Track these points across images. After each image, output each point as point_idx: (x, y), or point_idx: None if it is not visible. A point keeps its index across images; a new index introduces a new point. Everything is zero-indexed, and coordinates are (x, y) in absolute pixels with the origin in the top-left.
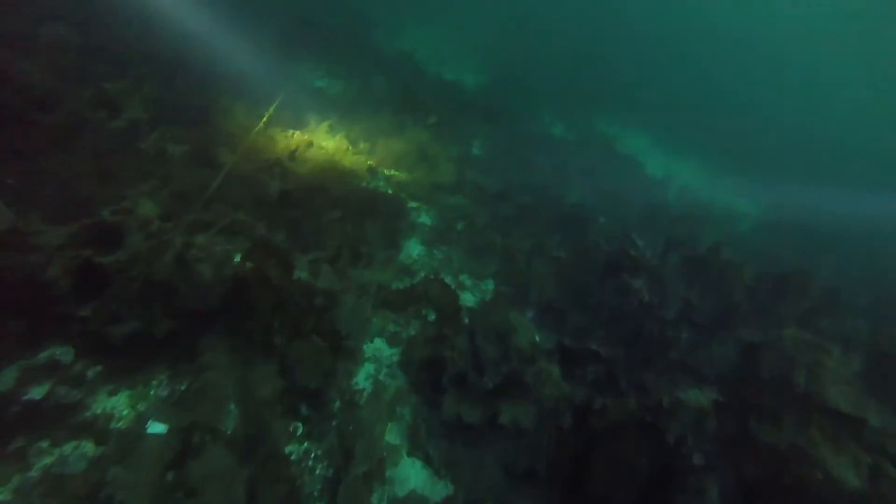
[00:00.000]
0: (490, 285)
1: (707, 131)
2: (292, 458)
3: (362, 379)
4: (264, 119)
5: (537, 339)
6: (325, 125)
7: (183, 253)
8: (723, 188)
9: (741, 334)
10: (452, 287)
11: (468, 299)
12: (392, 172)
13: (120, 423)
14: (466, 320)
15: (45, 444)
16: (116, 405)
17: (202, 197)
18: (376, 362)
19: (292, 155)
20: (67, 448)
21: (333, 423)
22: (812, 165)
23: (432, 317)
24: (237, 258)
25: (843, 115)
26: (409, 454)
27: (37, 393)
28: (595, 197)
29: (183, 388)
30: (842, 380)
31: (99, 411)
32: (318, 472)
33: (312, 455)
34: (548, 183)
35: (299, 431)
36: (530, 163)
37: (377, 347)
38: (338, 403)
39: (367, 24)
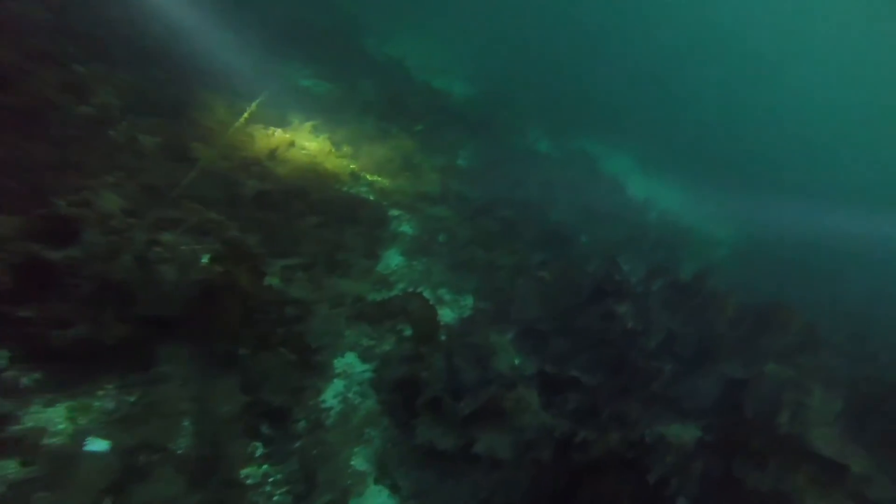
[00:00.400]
0: (470, 301)
1: (689, 156)
2: (248, 482)
3: (331, 397)
4: (245, 115)
5: (517, 362)
6: (308, 126)
7: (145, 252)
8: (701, 214)
9: (724, 368)
10: (431, 301)
11: (447, 315)
12: (375, 178)
13: (54, 440)
14: (444, 338)
15: None
16: (52, 418)
17: (173, 192)
18: (347, 379)
19: (272, 154)
20: None
21: (297, 445)
22: (796, 190)
23: (409, 332)
24: (205, 260)
25: (835, 137)
26: (377, 482)
27: None
28: (578, 216)
29: (132, 401)
30: (824, 422)
31: (30, 425)
32: (275, 498)
33: (271, 480)
34: (532, 199)
35: (258, 453)
36: (515, 177)
37: (349, 363)
38: (303, 423)
39: (358, 28)
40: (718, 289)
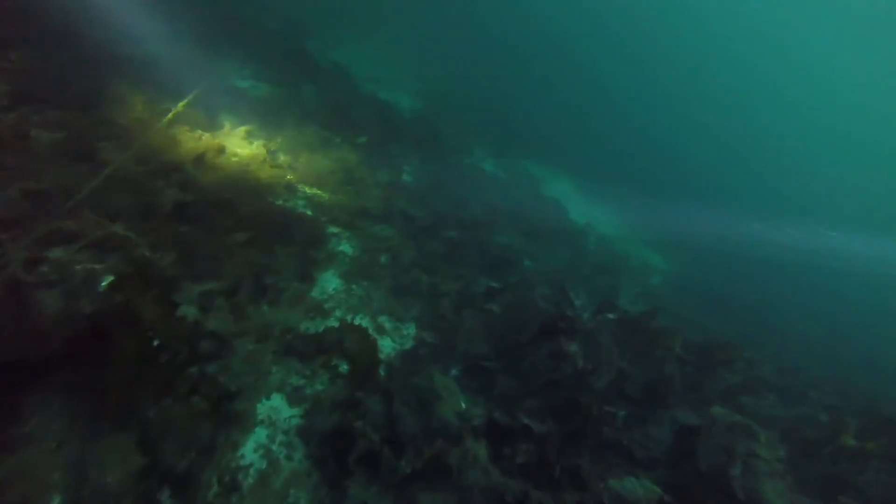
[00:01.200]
0: (412, 330)
1: (628, 182)
2: None
3: (251, 451)
4: (170, 115)
5: (463, 406)
6: (242, 130)
7: (21, 274)
8: (636, 240)
9: (675, 413)
10: (371, 330)
11: (388, 345)
12: (313, 192)
13: None
14: (384, 374)
15: None
16: None
17: (71, 201)
18: (271, 427)
19: (198, 160)
20: None
21: None
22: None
23: (345, 368)
24: (104, 284)
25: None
26: None
27: None
28: (522, 238)
29: None
30: (774, 473)
31: None
32: None
33: None
34: (477, 219)
35: None
36: (461, 197)
37: (274, 406)
38: (214, 489)
39: (305, 31)
40: (665, 325)
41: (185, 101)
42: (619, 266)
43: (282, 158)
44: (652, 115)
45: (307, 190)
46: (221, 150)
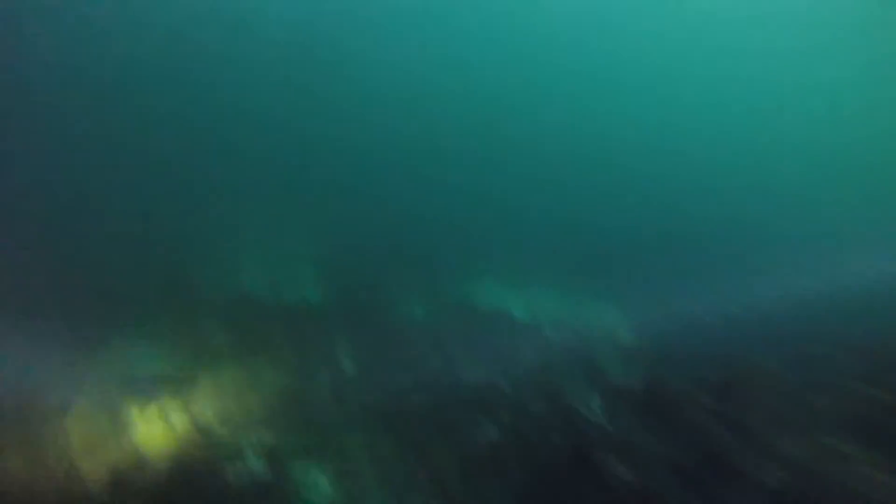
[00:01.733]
0: None
1: (562, 258)
2: None
3: None
4: None
5: None
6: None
7: None
8: (591, 311)
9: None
10: None
11: None
12: (256, 440)
13: None
14: None
15: None
16: None
17: None
18: None
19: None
20: None
21: None
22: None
23: None
24: None
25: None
26: None
27: None
28: (488, 369)
29: None
30: None
31: None
32: None
33: None
34: (436, 374)
35: None
36: (408, 360)
37: None
38: None
39: (187, 270)
40: (683, 386)
41: None
42: (591, 351)
43: (210, 415)
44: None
45: (250, 441)
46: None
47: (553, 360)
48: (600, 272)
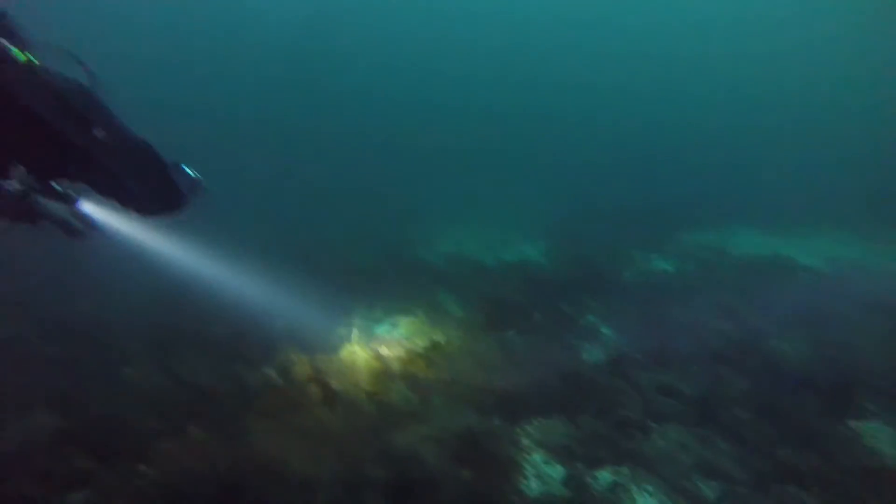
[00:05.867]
0: None
1: None
2: None
3: None
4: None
5: None
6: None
7: None
8: None
9: None
10: None
11: None
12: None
13: None
14: None
15: None
16: None
17: None
18: None
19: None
20: None
21: None
22: None
23: None
24: None
25: None
26: None
27: None
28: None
29: None
30: None
31: None
32: None
33: None
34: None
35: None
36: (684, 322)
37: None
38: None
39: (406, 244)
40: None
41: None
42: None
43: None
44: None
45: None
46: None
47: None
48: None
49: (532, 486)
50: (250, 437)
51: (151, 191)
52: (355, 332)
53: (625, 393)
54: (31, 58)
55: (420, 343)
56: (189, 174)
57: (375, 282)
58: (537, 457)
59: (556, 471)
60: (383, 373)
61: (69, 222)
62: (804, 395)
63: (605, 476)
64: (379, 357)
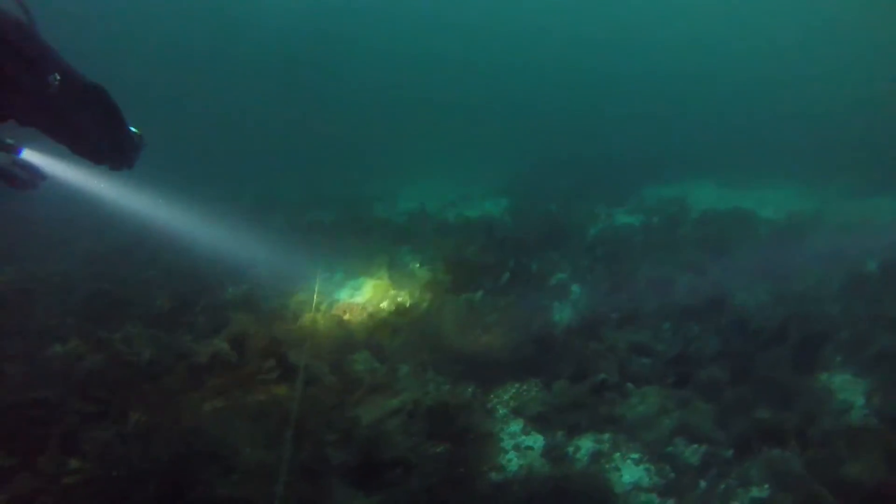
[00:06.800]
0: None
1: None
2: None
3: None
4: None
5: None
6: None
7: None
8: None
9: None
10: None
11: None
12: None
13: None
14: None
15: None
16: None
17: None
18: None
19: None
20: None
21: None
22: None
23: None
24: None
25: None
26: None
27: None
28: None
29: None
30: None
31: None
32: None
33: None
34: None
35: None
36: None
37: None
38: None
39: (365, 201)
40: None
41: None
42: None
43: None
44: None
45: None
46: None
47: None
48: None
49: (511, 459)
50: (198, 420)
51: (107, 135)
52: (315, 298)
53: (599, 354)
54: None
55: (384, 308)
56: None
57: (335, 242)
58: (515, 426)
59: (535, 440)
60: (346, 341)
61: (13, 173)
62: (774, 351)
63: (586, 444)
64: (341, 324)
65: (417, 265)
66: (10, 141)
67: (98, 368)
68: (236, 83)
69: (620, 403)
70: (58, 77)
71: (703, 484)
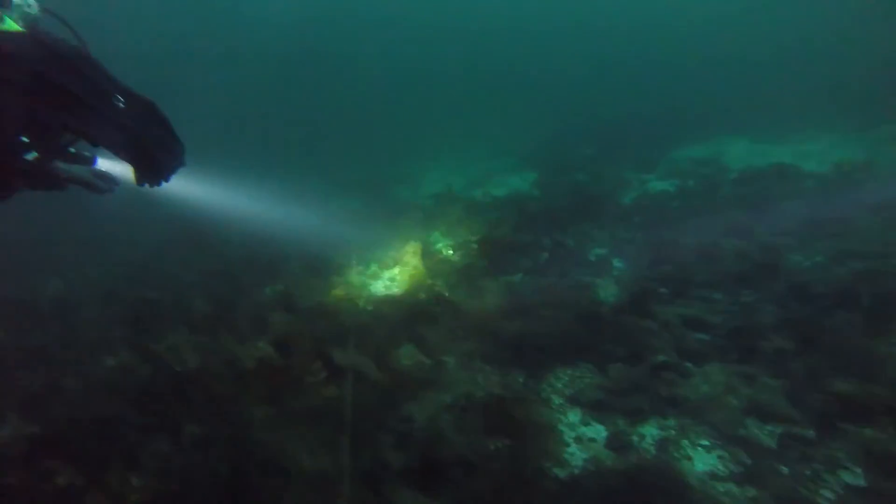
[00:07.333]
0: None
1: None
2: None
3: None
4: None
5: None
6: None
7: None
8: None
9: None
10: None
11: None
12: None
13: None
14: None
15: None
16: None
17: None
18: None
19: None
20: None
21: None
22: None
23: None
24: None
25: None
26: None
27: None
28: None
29: None
30: None
31: None
32: None
33: None
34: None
35: None
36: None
37: None
38: None
39: (390, 185)
40: None
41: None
42: None
43: None
44: None
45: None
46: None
47: None
48: None
49: (574, 452)
50: (251, 429)
51: (165, 147)
52: (352, 292)
53: (651, 332)
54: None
55: (422, 297)
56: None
57: (364, 230)
58: (573, 416)
59: (597, 431)
60: (389, 336)
61: (94, 182)
62: (842, 315)
63: (650, 431)
64: (380, 318)
65: (451, 251)
66: (87, 154)
67: (149, 380)
68: (247, 76)
69: (682, 384)
70: (121, 99)
71: (784, 469)
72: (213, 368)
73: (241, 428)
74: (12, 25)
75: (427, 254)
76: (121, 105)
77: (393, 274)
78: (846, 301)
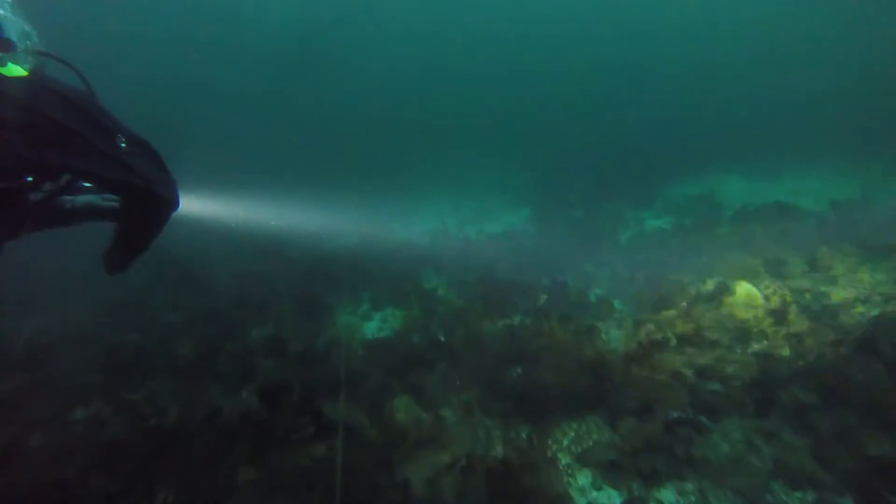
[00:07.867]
0: None
1: None
2: None
3: None
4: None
5: None
6: None
7: None
8: None
9: None
10: None
11: None
12: None
13: None
14: None
15: None
16: None
17: None
18: None
19: None
20: None
21: None
22: None
23: None
24: None
25: None
26: None
27: None
28: None
29: None
30: None
31: None
32: None
33: None
34: None
35: None
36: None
37: None
38: None
39: (383, 222)
40: None
41: None
42: None
43: None
44: None
45: None
46: None
47: None
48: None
49: None
50: (233, 495)
51: (165, 186)
52: (343, 337)
53: (663, 383)
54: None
55: (417, 342)
56: None
57: (355, 271)
58: (583, 479)
59: (610, 496)
60: (382, 385)
61: (101, 206)
62: (864, 363)
63: (668, 497)
64: (373, 364)
65: (446, 290)
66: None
67: (121, 436)
68: (243, 110)
69: (699, 442)
70: (124, 140)
71: None
72: (192, 421)
73: (221, 494)
74: (16, 70)
75: (421, 293)
76: (122, 145)
77: (385, 314)
78: (867, 348)
